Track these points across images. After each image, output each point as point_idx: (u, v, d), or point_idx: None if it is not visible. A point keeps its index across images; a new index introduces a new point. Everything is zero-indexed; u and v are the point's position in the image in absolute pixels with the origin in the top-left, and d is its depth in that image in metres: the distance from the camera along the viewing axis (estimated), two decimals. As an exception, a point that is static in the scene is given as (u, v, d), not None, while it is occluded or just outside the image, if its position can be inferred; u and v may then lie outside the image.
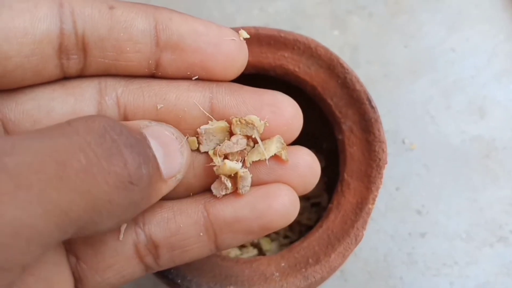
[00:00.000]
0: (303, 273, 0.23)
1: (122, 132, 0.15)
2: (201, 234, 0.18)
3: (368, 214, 0.23)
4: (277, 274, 0.23)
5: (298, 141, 0.20)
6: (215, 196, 0.18)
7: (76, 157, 0.13)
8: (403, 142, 0.36)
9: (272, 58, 0.25)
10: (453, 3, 0.39)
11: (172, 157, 0.17)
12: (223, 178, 0.18)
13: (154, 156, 0.16)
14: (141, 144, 0.16)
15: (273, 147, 0.18)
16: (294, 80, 0.26)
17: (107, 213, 0.14)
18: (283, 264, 0.23)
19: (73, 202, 0.13)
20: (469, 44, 0.38)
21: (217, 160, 0.18)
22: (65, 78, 0.18)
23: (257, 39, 0.25)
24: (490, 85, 0.37)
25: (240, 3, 0.39)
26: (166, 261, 0.19)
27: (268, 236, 0.30)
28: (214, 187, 0.18)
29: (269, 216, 0.18)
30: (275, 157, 0.18)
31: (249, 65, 0.25)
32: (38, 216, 0.12)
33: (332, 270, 0.23)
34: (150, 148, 0.16)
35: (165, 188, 0.17)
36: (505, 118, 0.36)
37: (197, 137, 0.19)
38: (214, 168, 0.18)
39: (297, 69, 0.25)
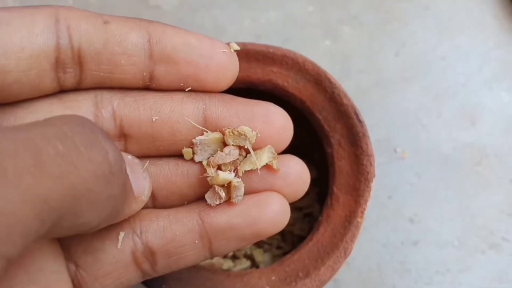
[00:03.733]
0: (293, 286, 0.23)
1: (99, 128, 0.15)
2: (196, 241, 0.19)
3: (357, 227, 0.24)
4: (268, 288, 0.23)
5: (289, 152, 0.21)
6: (209, 205, 0.19)
7: (52, 144, 0.13)
8: (395, 150, 0.36)
9: (261, 73, 0.26)
10: (444, 11, 0.39)
11: (137, 178, 0.18)
12: (216, 188, 0.19)
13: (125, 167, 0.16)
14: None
15: (265, 156, 0.19)
16: (283, 94, 0.26)
17: (87, 203, 0.14)
18: (273, 278, 0.24)
19: (51, 189, 0.13)
20: (460, 52, 0.38)
21: (211, 171, 0.19)
22: (61, 91, 0.18)
23: (246, 55, 0.25)
24: (481, 92, 0.37)
25: (232, 13, 0.39)
26: (162, 268, 0.19)
27: (261, 247, 0.31)
28: (208, 197, 0.19)
29: (261, 223, 0.19)
30: (267, 167, 0.19)
31: (238, 80, 0.26)
32: (16, 203, 0.12)
33: (322, 284, 0.23)
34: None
35: (135, 206, 0.18)
36: (496, 124, 0.37)
37: (192, 148, 0.19)
38: (208, 179, 0.19)
39: (285, 84, 0.25)
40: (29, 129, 0.13)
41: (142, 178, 0.18)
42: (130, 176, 0.17)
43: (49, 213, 0.13)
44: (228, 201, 0.19)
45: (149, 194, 0.18)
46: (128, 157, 0.18)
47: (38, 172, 0.12)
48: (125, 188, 0.16)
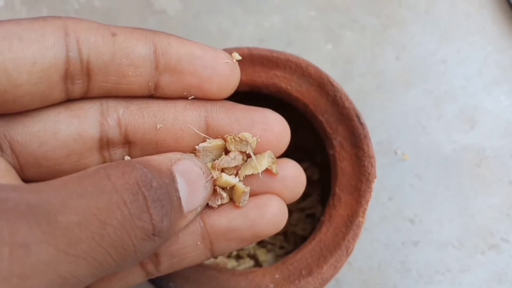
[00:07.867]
0: (297, 284, 0.24)
1: (152, 185, 0.16)
2: (198, 242, 0.20)
3: (359, 226, 0.24)
4: (272, 285, 0.24)
5: (291, 155, 0.21)
6: (210, 207, 0.20)
7: (114, 215, 0.15)
8: (396, 152, 0.37)
9: (265, 77, 0.26)
10: (444, 15, 0.40)
11: (196, 193, 0.18)
12: (218, 189, 0.19)
13: (178, 199, 0.17)
14: (167, 192, 0.17)
15: (265, 161, 0.20)
16: (286, 97, 0.27)
17: (131, 260, 0.16)
18: (277, 276, 0.24)
19: (109, 255, 0.15)
20: (460, 55, 0.39)
21: (215, 173, 0.19)
22: (68, 100, 0.19)
23: (250, 59, 0.26)
24: (481, 95, 0.38)
25: (236, 18, 0.40)
26: (166, 268, 0.20)
27: (264, 247, 0.31)
28: (209, 199, 0.20)
29: (260, 225, 0.20)
30: (266, 171, 0.20)
31: (243, 83, 0.26)
32: (82, 268, 0.14)
33: (324, 282, 0.24)
34: (176, 190, 0.17)
35: (184, 223, 0.18)
36: (495, 127, 0.37)
37: (195, 153, 0.20)
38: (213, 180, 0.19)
39: (289, 87, 0.26)
40: (96, 196, 0.15)
41: (202, 192, 0.18)
42: (187, 198, 0.18)
43: (102, 272, 0.15)
44: (231, 203, 0.20)
45: (207, 201, 0.19)
46: (194, 168, 0.18)
47: (103, 242, 0.15)
48: (168, 235, 0.17)
